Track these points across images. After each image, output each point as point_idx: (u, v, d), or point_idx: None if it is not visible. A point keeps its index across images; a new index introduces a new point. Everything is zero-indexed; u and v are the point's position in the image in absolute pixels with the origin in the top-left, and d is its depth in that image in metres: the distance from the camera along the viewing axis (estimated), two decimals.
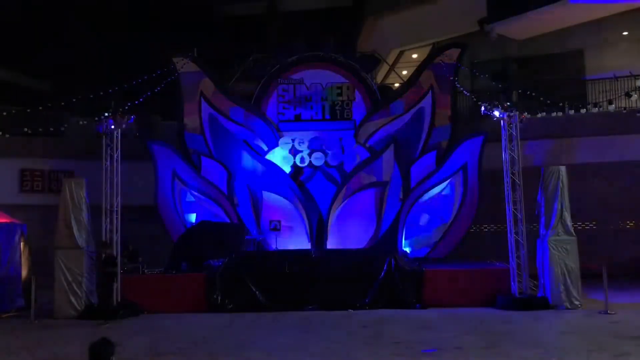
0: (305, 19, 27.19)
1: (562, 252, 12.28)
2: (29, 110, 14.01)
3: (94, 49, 24.23)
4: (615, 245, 18.18)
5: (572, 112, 13.14)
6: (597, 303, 11.95)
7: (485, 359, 7.99)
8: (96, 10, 25.08)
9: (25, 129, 13.82)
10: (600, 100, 17.88)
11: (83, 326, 11.36)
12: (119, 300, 12.74)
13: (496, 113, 12.73)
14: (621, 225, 18.69)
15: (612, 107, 11.76)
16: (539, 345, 8.71)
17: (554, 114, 13.26)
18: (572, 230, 12.47)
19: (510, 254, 12.65)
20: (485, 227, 18.01)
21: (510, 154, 12.82)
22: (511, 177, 12.79)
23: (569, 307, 12.06)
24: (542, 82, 21.20)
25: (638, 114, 13.27)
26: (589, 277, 12.61)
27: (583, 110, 16.95)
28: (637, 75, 19.13)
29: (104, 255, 12.33)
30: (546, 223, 12.52)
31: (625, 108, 14.29)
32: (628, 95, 11.58)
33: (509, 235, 12.75)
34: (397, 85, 21.10)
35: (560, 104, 13.43)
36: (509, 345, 8.80)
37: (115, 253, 12.67)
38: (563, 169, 12.59)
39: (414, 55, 23.86)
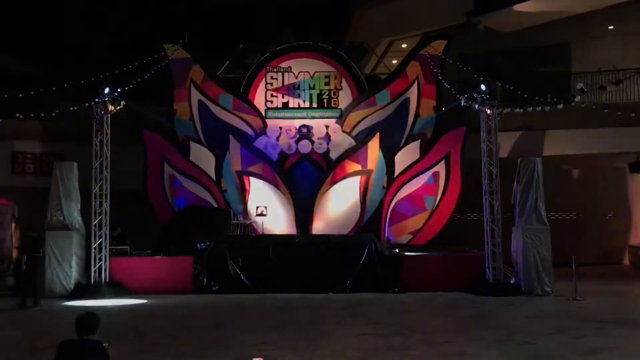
0: (297, 7, 27.37)
1: (536, 240, 12.74)
2: (20, 95, 14.28)
3: (85, 34, 24.37)
4: (595, 235, 18.74)
5: (548, 108, 13.47)
6: (569, 290, 12.41)
7: (451, 339, 8.43)
8: None
9: (18, 115, 14.05)
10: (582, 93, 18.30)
11: (72, 304, 11.77)
12: (107, 280, 13.14)
13: (475, 106, 13.11)
14: (601, 215, 19.23)
15: (578, 99, 12.13)
16: (504, 328, 9.19)
17: (533, 108, 13.61)
18: (546, 220, 12.93)
19: (485, 242, 13.11)
20: (468, 216, 18.45)
21: (488, 145, 13.22)
22: (488, 168, 13.21)
23: (541, 293, 12.55)
24: (528, 75, 21.60)
25: (605, 110, 13.69)
26: (568, 266, 12.99)
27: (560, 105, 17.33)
28: (621, 70, 19.56)
29: (29, 239, 12.32)
30: (521, 212, 12.98)
31: (594, 104, 14.70)
32: (582, 90, 11.91)
33: (485, 223, 13.20)
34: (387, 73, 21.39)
35: (537, 98, 13.78)
36: (477, 328, 9.27)
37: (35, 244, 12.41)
38: (538, 160, 13.03)
39: (404, 45, 24.08)
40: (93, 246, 13.16)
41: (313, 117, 17.41)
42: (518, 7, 18.42)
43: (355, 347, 8.04)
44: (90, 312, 5.34)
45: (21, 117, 14.07)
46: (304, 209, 16.62)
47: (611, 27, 21.56)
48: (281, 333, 9.07)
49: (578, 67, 20.93)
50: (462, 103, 13.44)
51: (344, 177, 16.87)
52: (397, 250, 14.25)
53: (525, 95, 13.72)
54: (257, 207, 16.60)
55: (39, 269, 12.23)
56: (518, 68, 22.38)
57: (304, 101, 17.53)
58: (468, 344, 8.10)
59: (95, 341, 5.18)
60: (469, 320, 9.98)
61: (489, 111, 13.00)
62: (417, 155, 17.03)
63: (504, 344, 8.10)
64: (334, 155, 17.13)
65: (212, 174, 16.97)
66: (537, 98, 13.79)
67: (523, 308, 11.24)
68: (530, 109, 13.51)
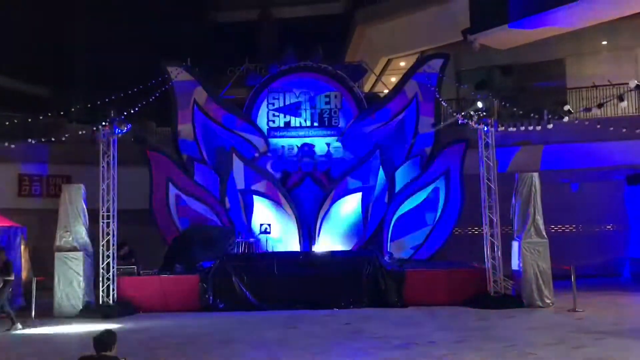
0: (298, 26, 27.94)
1: (535, 253, 13.00)
2: (30, 120, 14.65)
3: (91, 57, 24.89)
4: (595, 247, 18.97)
5: (539, 127, 13.86)
6: (570, 302, 12.60)
7: (454, 351, 8.67)
8: (93, 18, 25.75)
9: (30, 140, 14.41)
10: (578, 108, 18.64)
11: (81, 323, 12.02)
12: (115, 300, 13.39)
13: (472, 123, 13.44)
14: (601, 228, 19.49)
15: (566, 120, 12.50)
16: (504, 340, 9.43)
17: (526, 127, 14.00)
18: (544, 233, 13.18)
19: (485, 256, 13.36)
20: (469, 230, 18.69)
21: (485, 160, 13.53)
22: (487, 183, 13.51)
23: (541, 305, 12.78)
24: (525, 90, 22.02)
25: (598, 126, 14.06)
26: (569, 278, 13.15)
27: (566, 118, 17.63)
28: (616, 84, 19.94)
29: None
30: (520, 226, 13.25)
31: (586, 120, 15.04)
32: (569, 111, 12.28)
33: (484, 237, 13.47)
34: (386, 91, 21.79)
35: (532, 115, 14.13)
36: (478, 340, 9.52)
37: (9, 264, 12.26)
38: (536, 175, 13.32)
39: (402, 63, 24.55)
40: (101, 266, 13.43)
41: (314, 136, 17.75)
42: (512, 26, 18.78)
43: None
44: (107, 330, 5.66)
45: (32, 141, 14.39)
46: (307, 226, 16.88)
47: (604, 43, 22.02)
48: (287, 348, 9.32)
49: (573, 82, 21.39)
50: (459, 121, 13.76)
51: (346, 194, 17.14)
52: (399, 266, 14.47)
53: (521, 112, 14.07)
54: (261, 225, 16.85)
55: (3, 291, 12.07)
56: (515, 84, 22.83)
57: (305, 120, 17.89)
58: (469, 355, 8.34)
59: (112, 357, 5.47)
60: (470, 333, 10.20)
61: (485, 128, 13.31)
62: (417, 172, 17.33)
63: (504, 355, 8.34)
64: (335, 172, 17.43)
65: (216, 193, 17.27)
66: (532, 115, 14.13)
67: (523, 320, 11.47)
68: (522, 127, 13.84)
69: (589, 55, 22.22)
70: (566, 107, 11.99)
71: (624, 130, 14.76)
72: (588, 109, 12.19)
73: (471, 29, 19.87)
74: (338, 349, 9.08)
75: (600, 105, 12.33)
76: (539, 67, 22.52)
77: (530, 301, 12.85)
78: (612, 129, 14.39)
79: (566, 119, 12.06)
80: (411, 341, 9.49)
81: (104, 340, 5.50)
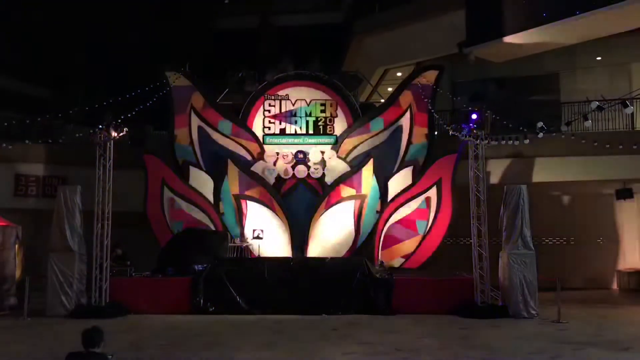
0: (297, 35, 28.20)
1: (521, 264, 13.20)
2: (27, 121, 14.85)
3: (90, 59, 25.11)
4: (584, 259, 19.23)
5: (527, 141, 14.17)
6: (555, 313, 12.75)
7: (434, 358, 8.86)
8: (93, 20, 25.97)
9: (27, 142, 14.59)
10: (572, 121, 18.87)
11: (73, 323, 12.16)
12: (107, 300, 13.55)
13: (463, 135, 13.66)
14: (590, 241, 19.72)
15: (540, 135, 12.86)
16: (486, 348, 9.62)
17: (519, 140, 14.31)
18: (531, 245, 13.39)
19: (473, 266, 13.55)
20: (460, 240, 18.89)
21: (475, 172, 13.76)
22: (476, 194, 13.72)
23: (527, 316, 12.97)
24: (519, 103, 22.27)
25: (583, 141, 14.35)
26: (566, 290, 13.31)
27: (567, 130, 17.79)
28: (610, 100, 20.22)
29: None
30: (507, 237, 13.46)
31: (573, 134, 15.26)
32: (542, 128, 12.58)
33: (472, 248, 13.67)
34: (382, 101, 22.03)
35: (521, 128, 14.40)
36: (460, 347, 9.71)
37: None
38: (524, 187, 13.55)
39: (399, 74, 24.81)
40: (94, 267, 13.60)
41: (309, 143, 17.97)
42: (508, 39, 19.05)
43: None
44: (95, 327, 5.84)
45: (29, 142, 14.59)
46: (299, 232, 17.06)
47: (599, 58, 22.32)
48: (274, 351, 9.50)
49: (567, 96, 21.66)
50: (451, 132, 13.99)
51: (339, 202, 17.33)
52: (388, 273, 14.66)
53: (510, 126, 14.33)
54: (254, 230, 17.03)
55: None
56: (509, 97, 23.08)
57: (300, 128, 18.11)
58: None
59: (100, 354, 5.65)
60: (453, 341, 10.39)
61: (476, 140, 13.55)
62: (409, 181, 17.53)
63: None
64: (329, 180, 17.62)
65: (210, 198, 17.45)
66: (520, 128, 14.38)
67: (507, 330, 11.65)
68: (511, 141, 14.11)
69: (583, 70, 22.52)
70: (539, 124, 12.30)
71: (607, 146, 15.03)
72: (568, 123, 12.47)
73: (467, 42, 20.15)
74: (323, 353, 9.26)
75: (568, 124, 12.66)
76: (534, 81, 22.81)
77: (516, 311, 13.04)
78: (595, 144, 14.69)
79: (541, 135, 12.32)
80: (395, 347, 9.67)
81: (91, 336, 5.68)
